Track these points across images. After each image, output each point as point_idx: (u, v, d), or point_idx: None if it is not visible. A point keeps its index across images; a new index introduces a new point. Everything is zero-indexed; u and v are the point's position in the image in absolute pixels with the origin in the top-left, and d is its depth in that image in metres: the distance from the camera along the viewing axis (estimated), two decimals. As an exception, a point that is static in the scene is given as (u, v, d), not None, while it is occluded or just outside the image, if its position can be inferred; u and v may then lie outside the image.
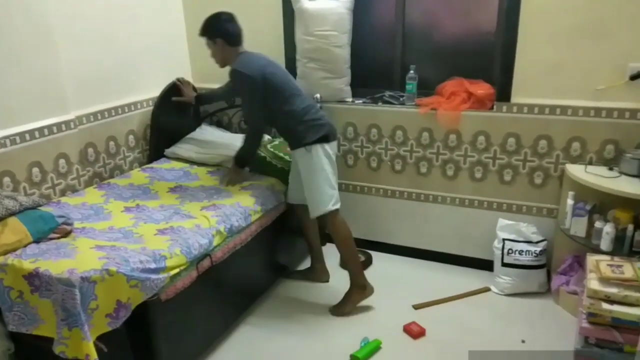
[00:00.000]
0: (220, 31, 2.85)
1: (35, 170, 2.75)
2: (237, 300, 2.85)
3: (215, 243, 2.50)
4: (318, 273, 3.30)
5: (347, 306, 2.95)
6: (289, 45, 3.51)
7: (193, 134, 3.62)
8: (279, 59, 3.53)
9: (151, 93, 3.55)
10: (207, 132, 3.67)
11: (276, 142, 3.35)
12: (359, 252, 3.52)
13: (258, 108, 2.86)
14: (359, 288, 2.95)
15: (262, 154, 3.22)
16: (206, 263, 2.42)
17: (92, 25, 3.09)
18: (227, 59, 2.91)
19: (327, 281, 3.29)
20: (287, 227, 3.18)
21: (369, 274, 3.17)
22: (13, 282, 2.05)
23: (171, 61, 3.74)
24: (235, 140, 3.42)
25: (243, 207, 2.77)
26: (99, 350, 1.99)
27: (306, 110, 2.84)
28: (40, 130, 2.75)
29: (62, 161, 2.90)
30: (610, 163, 2.87)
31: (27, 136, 2.69)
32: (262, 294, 3.09)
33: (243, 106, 3.14)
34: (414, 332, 2.76)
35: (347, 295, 2.97)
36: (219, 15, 2.88)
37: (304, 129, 2.81)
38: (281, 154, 3.23)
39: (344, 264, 3.20)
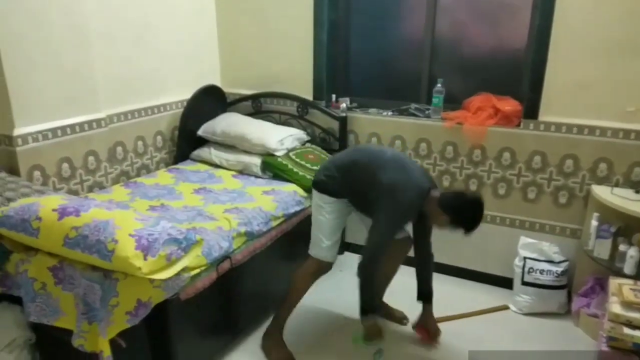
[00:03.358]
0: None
1: (65, 165, 2.82)
2: (255, 304, 2.87)
3: (235, 246, 2.53)
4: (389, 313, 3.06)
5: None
6: (318, 55, 3.55)
7: (216, 126, 3.60)
8: (308, 66, 3.58)
9: (181, 96, 3.62)
10: (229, 119, 3.65)
11: (298, 151, 3.38)
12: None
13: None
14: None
15: (284, 162, 3.26)
16: (226, 265, 2.45)
17: (127, 28, 3.17)
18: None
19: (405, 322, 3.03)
20: (307, 234, 3.18)
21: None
22: (37, 274, 2.09)
23: (202, 66, 3.81)
24: (258, 130, 3.45)
25: (265, 212, 2.79)
26: (117, 346, 2.01)
27: None
28: (72, 127, 2.82)
29: (91, 158, 2.96)
30: (637, 186, 2.83)
31: (59, 132, 2.76)
32: (280, 300, 3.09)
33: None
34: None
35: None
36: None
37: None
38: (303, 162, 3.26)
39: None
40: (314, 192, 2.65)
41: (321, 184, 2.60)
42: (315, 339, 2.84)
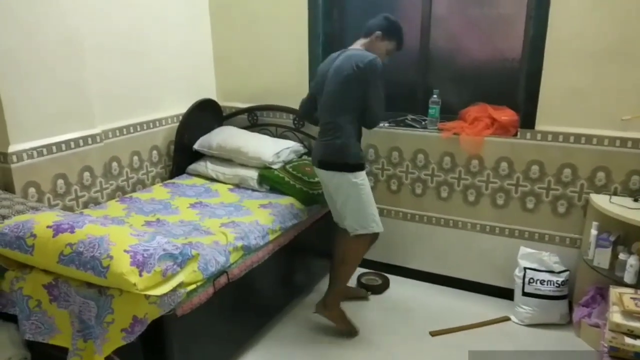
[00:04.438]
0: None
1: (60, 182, 2.80)
2: (253, 319, 2.84)
3: (232, 260, 2.50)
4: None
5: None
6: (313, 68, 3.54)
7: (212, 139, 3.60)
8: (304, 79, 3.58)
9: (176, 110, 3.61)
10: (225, 132, 3.66)
11: (295, 163, 3.37)
12: (377, 276, 3.52)
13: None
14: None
15: (281, 175, 3.24)
16: (223, 280, 2.42)
17: (122, 43, 3.16)
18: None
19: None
20: (304, 247, 3.17)
21: (386, 298, 3.14)
22: (32, 291, 2.07)
23: (197, 80, 3.81)
24: (254, 143, 3.45)
25: (261, 226, 2.77)
26: (112, 363, 1.99)
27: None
28: (67, 143, 2.81)
29: (86, 174, 2.94)
30: (636, 194, 2.82)
31: (54, 148, 2.75)
32: (278, 314, 3.07)
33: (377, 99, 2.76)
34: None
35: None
36: None
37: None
38: (300, 174, 3.25)
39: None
40: (345, 175, 2.72)
41: (350, 162, 2.73)
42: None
